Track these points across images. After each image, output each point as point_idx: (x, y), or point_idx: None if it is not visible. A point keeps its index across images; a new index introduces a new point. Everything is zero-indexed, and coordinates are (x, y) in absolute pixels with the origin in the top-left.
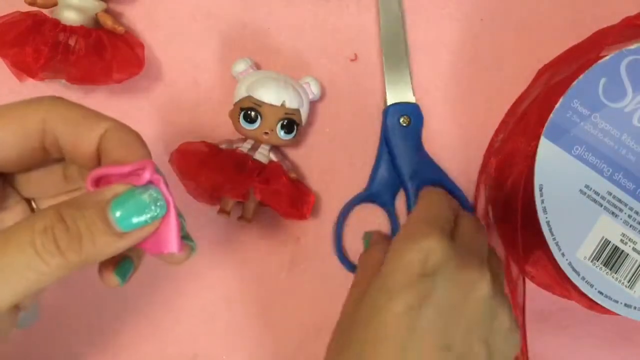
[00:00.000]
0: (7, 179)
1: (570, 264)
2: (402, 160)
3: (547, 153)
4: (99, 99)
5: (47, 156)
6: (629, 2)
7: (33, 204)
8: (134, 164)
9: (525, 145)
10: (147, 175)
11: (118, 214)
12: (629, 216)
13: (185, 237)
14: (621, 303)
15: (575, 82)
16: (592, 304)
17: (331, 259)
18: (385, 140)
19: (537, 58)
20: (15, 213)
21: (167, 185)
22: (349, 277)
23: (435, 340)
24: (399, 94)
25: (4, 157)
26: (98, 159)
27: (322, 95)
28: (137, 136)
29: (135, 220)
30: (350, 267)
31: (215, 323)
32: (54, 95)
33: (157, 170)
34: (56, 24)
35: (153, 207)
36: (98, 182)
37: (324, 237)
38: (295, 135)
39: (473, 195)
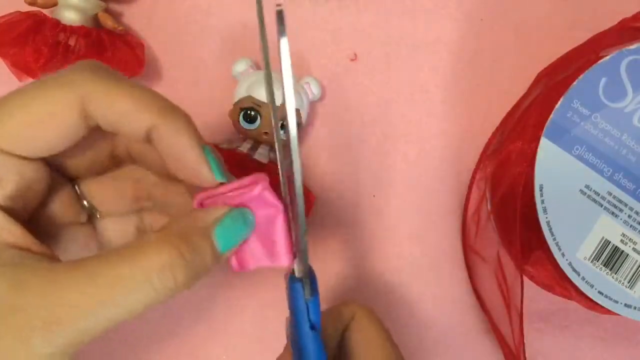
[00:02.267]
0: (51, 161)
1: (570, 264)
2: None
3: (548, 153)
4: None
5: (92, 139)
6: (628, 1)
7: (77, 187)
8: (243, 181)
9: (524, 146)
10: (257, 190)
11: (221, 239)
12: (629, 216)
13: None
14: (621, 303)
15: (575, 82)
16: (592, 304)
17: (331, 259)
18: None
19: (537, 58)
20: (61, 196)
21: (274, 194)
22: (349, 277)
23: None
24: None
25: (46, 149)
26: (148, 140)
27: (322, 95)
28: (188, 124)
29: (232, 243)
30: None
31: (215, 323)
32: (87, 68)
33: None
34: (56, 24)
35: (245, 229)
36: (202, 203)
37: (324, 237)
38: None
39: (465, 195)
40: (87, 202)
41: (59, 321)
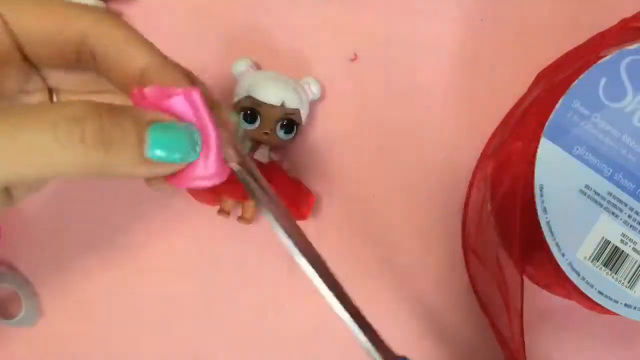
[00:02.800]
0: (36, 65)
1: (570, 264)
2: None
3: (547, 153)
4: None
5: (80, 63)
6: (628, 1)
7: (54, 96)
8: (182, 89)
9: (524, 146)
10: (194, 97)
11: (151, 139)
12: (629, 216)
13: None
14: (621, 303)
15: (575, 82)
16: (592, 304)
17: (331, 259)
18: None
19: (537, 58)
20: (36, 99)
21: (208, 111)
22: (348, 277)
23: None
24: None
25: (34, 54)
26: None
27: (322, 95)
28: (183, 73)
29: (164, 153)
30: None
31: (215, 323)
32: (98, 9)
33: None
34: None
35: (187, 147)
36: (139, 99)
37: (324, 237)
38: (295, 135)
39: (465, 195)
40: (43, 79)
41: None
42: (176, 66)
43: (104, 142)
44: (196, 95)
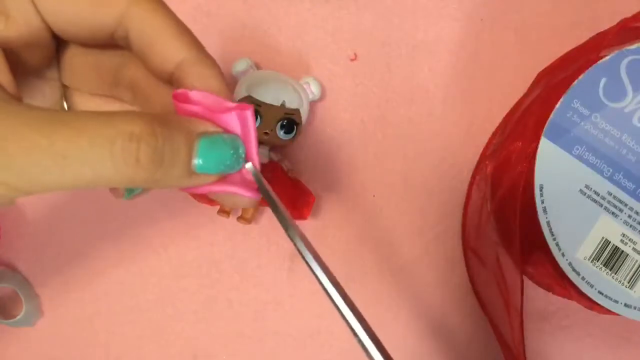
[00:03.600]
0: (58, 56)
1: (570, 264)
2: None
3: (547, 153)
4: None
5: (111, 41)
6: (628, 1)
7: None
8: (235, 104)
9: (524, 146)
10: (248, 115)
11: (199, 152)
12: (629, 216)
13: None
14: (621, 303)
15: (575, 82)
16: (592, 304)
17: (331, 259)
18: None
19: (537, 58)
20: (50, 87)
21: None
22: (348, 278)
23: None
24: None
25: (63, 33)
26: (170, 77)
27: (322, 95)
28: (219, 73)
29: (211, 167)
30: None
31: (215, 323)
32: None
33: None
34: None
35: (232, 161)
36: (182, 99)
37: (324, 237)
38: (295, 135)
39: (465, 195)
40: (60, 74)
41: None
42: (213, 63)
43: (155, 162)
44: (249, 114)
